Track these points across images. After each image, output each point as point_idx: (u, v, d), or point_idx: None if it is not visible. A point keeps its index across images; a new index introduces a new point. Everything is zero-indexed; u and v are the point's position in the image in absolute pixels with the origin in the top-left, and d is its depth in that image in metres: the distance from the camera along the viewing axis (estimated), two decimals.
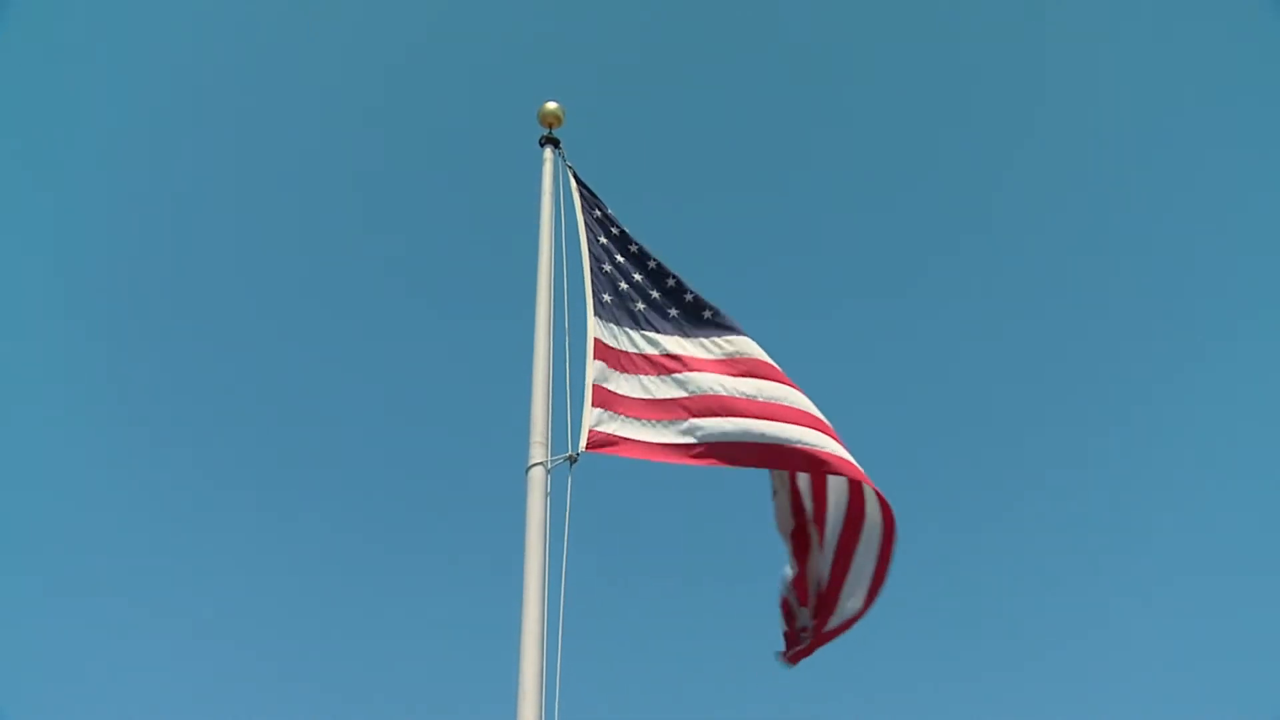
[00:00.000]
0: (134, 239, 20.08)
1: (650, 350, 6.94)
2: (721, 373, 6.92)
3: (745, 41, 23.15)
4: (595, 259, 7.15)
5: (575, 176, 7.51)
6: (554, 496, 5.85)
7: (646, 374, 6.85)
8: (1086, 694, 16.89)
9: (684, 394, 6.79)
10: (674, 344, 7.02)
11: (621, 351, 6.84)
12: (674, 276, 7.32)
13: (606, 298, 7.02)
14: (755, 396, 6.79)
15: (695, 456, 6.56)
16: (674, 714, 16.98)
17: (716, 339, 7.07)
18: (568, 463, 5.98)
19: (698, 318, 7.16)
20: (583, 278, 6.99)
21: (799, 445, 6.63)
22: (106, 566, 17.61)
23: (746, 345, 7.11)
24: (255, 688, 16.72)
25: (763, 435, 6.61)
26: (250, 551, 18.91)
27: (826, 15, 23.24)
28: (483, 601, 17.68)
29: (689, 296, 7.24)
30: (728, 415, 6.68)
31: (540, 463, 5.89)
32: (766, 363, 7.05)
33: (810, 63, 23.31)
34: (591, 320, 6.79)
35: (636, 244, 7.43)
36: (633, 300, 7.11)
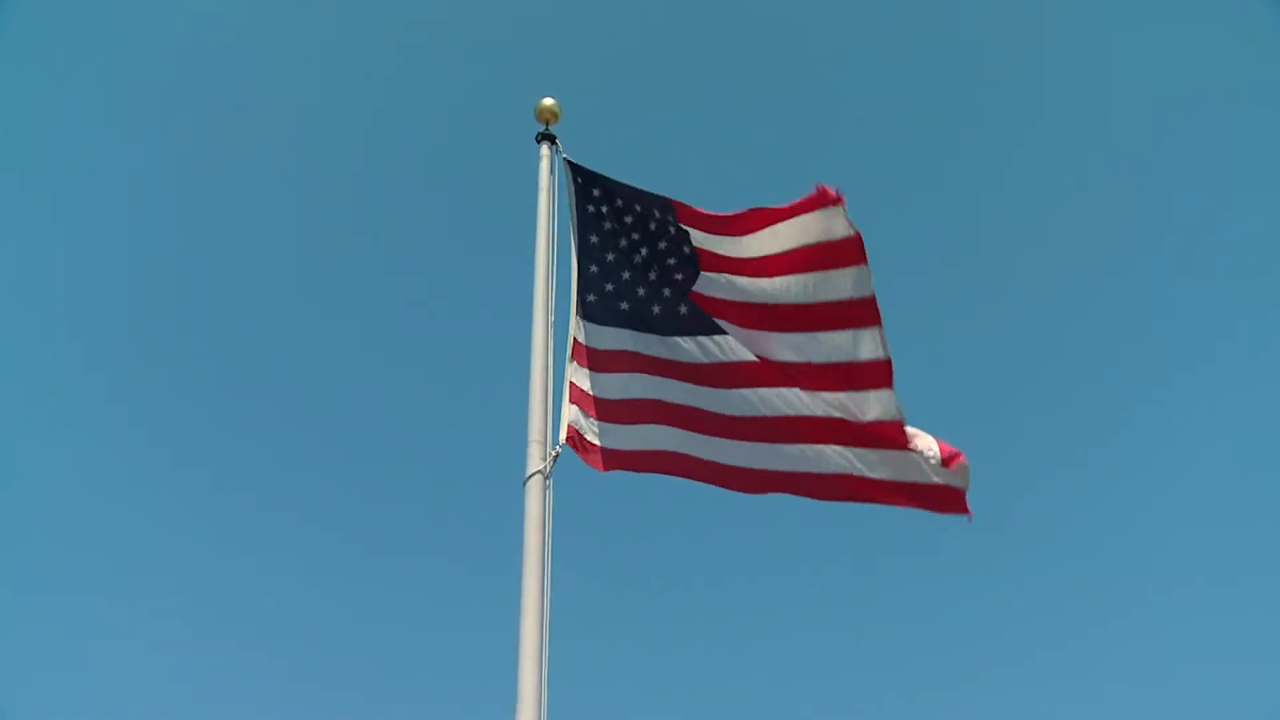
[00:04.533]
0: (132, 238, 20.03)
1: (626, 347, 6.96)
2: (696, 382, 6.91)
3: (745, 36, 23.07)
4: (586, 257, 7.10)
5: (573, 168, 7.38)
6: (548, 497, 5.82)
7: (619, 371, 6.89)
8: (1086, 695, 16.85)
9: (653, 397, 6.89)
10: (652, 345, 6.99)
11: (598, 350, 6.87)
12: (666, 272, 7.12)
13: (591, 297, 7.00)
14: (733, 412, 6.82)
15: (654, 465, 6.81)
16: (675, 715, 16.93)
17: (702, 339, 6.99)
18: (553, 461, 5.98)
19: (677, 316, 7.06)
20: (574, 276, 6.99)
21: (758, 469, 6.79)
22: (106, 566, 17.57)
23: (736, 348, 6.97)
24: (255, 691, 16.69)
25: (721, 455, 6.82)
26: (249, 555, 18.88)
27: (827, 10, 23.16)
28: (482, 605, 17.64)
29: (668, 292, 7.09)
30: (691, 429, 6.86)
31: (539, 470, 5.82)
32: (756, 362, 6.88)
33: (811, 59, 23.24)
34: (574, 321, 6.83)
35: (637, 234, 7.21)
36: (619, 301, 7.07)
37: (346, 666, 17.63)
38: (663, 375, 6.98)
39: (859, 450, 6.63)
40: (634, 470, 6.80)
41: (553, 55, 22.17)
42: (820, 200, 6.44)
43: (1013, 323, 22.10)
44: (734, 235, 6.86)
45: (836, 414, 6.62)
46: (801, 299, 6.65)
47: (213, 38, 20.10)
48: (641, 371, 6.98)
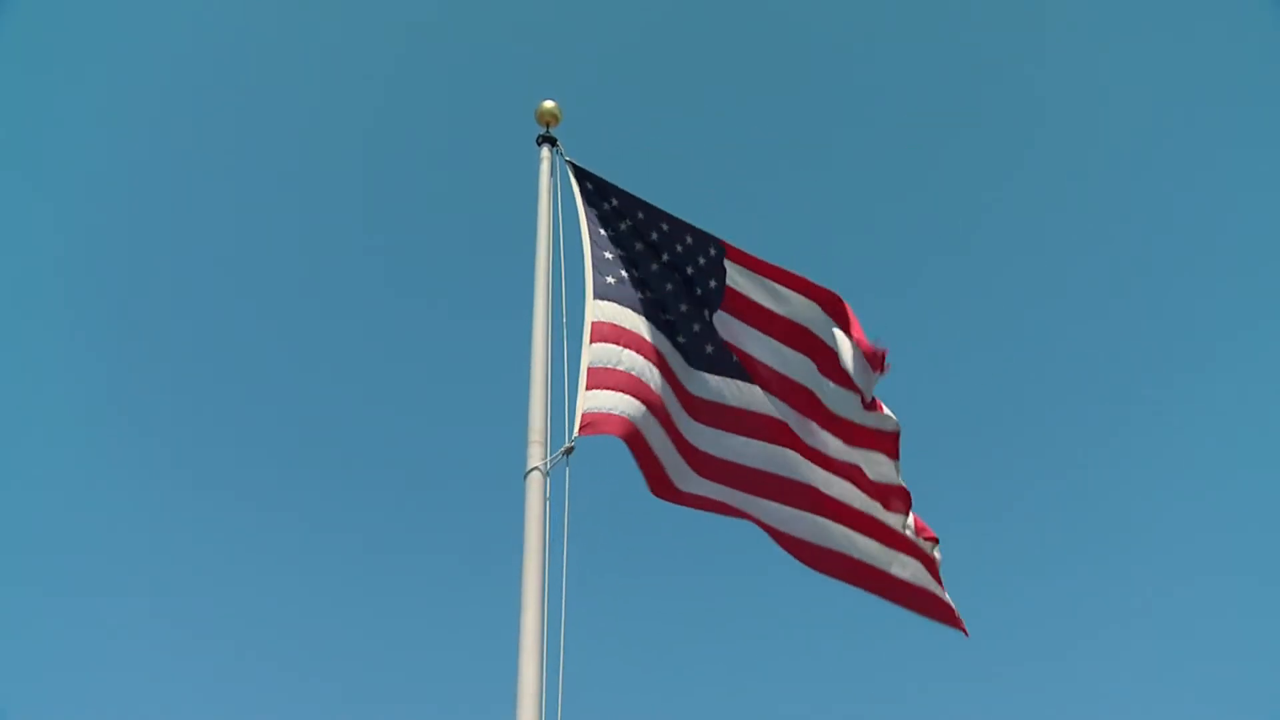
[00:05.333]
0: (132, 239, 20.07)
1: (656, 345, 6.72)
2: (709, 423, 6.81)
3: (745, 37, 23.10)
4: (597, 245, 6.97)
5: (577, 170, 7.40)
6: (553, 495, 5.79)
7: (650, 362, 6.58)
8: (1086, 694, 16.87)
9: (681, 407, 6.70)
10: (677, 365, 6.83)
11: (632, 333, 6.58)
12: (677, 295, 7.09)
13: (610, 280, 6.82)
14: (737, 459, 6.79)
15: (672, 491, 6.60)
16: (675, 714, 16.95)
17: (716, 378, 6.95)
18: (565, 458, 5.87)
19: (700, 351, 6.98)
20: (583, 264, 6.81)
21: (770, 523, 6.80)
22: (106, 566, 17.61)
23: (750, 395, 6.96)
24: (255, 689, 16.73)
25: (727, 498, 6.76)
26: (250, 553, 18.92)
27: (827, 12, 23.19)
28: (483, 602, 17.67)
29: (696, 326, 7.04)
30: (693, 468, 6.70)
31: (538, 466, 5.84)
32: (768, 417, 6.90)
33: (811, 60, 23.27)
34: (591, 304, 6.58)
35: (656, 252, 7.21)
36: (639, 290, 6.94)
37: (349, 663, 17.69)
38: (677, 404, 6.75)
39: (881, 546, 6.81)
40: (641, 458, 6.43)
41: (553, 57, 22.24)
42: (865, 352, 6.59)
43: (1015, 322, 22.15)
44: (777, 283, 6.91)
45: (861, 507, 6.81)
46: (831, 405, 6.84)
47: (213, 38, 20.16)
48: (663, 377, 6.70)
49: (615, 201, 7.28)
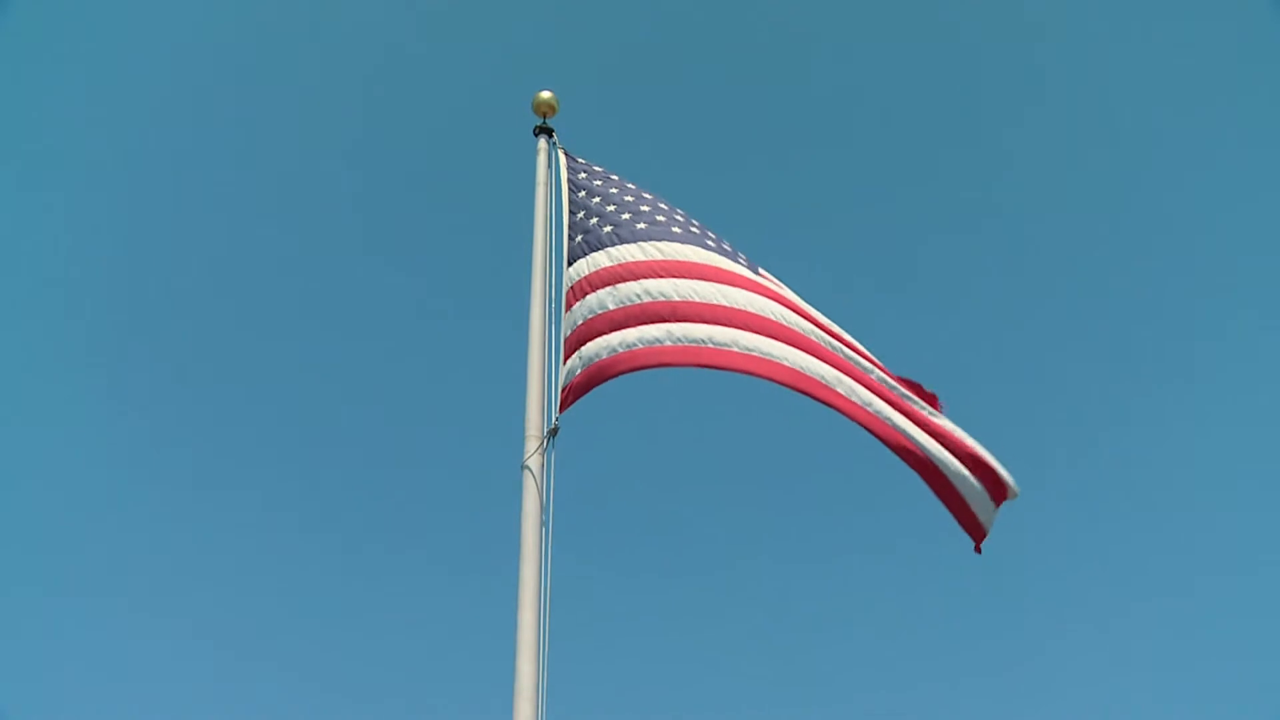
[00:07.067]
0: (132, 238, 20.05)
1: (618, 261, 6.53)
2: (696, 277, 6.47)
3: (740, 27, 23.08)
4: (573, 212, 6.91)
5: (567, 155, 7.38)
6: (546, 481, 5.76)
7: (614, 284, 6.39)
8: (1086, 694, 16.83)
9: (651, 299, 6.35)
10: (651, 249, 6.59)
11: (590, 275, 6.46)
12: (665, 209, 7.01)
13: (578, 238, 6.73)
14: (735, 306, 6.38)
15: (660, 358, 6.15)
16: (671, 710, 16.91)
17: (699, 248, 6.71)
18: (551, 439, 5.84)
19: (680, 231, 6.82)
20: (562, 236, 6.75)
21: (771, 359, 6.25)
22: (106, 566, 17.59)
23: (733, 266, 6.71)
24: (252, 687, 16.67)
25: (734, 344, 6.23)
26: (247, 551, 18.86)
27: (826, 2, 23.15)
28: (479, 597, 17.64)
29: (677, 216, 6.95)
30: (699, 321, 6.26)
31: (533, 464, 5.79)
32: (750, 279, 6.64)
33: (806, 50, 23.24)
34: (567, 273, 6.51)
35: (629, 188, 7.14)
36: (602, 227, 6.79)
37: (348, 660, 17.63)
38: (652, 278, 6.48)
39: (922, 433, 6.54)
40: (626, 370, 6.13)
41: (550, 48, 22.23)
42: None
43: (1012, 321, 22.11)
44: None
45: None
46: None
47: (209, 33, 20.15)
48: (631, 279, 6.46)
49: (583, 194, 7.10)
